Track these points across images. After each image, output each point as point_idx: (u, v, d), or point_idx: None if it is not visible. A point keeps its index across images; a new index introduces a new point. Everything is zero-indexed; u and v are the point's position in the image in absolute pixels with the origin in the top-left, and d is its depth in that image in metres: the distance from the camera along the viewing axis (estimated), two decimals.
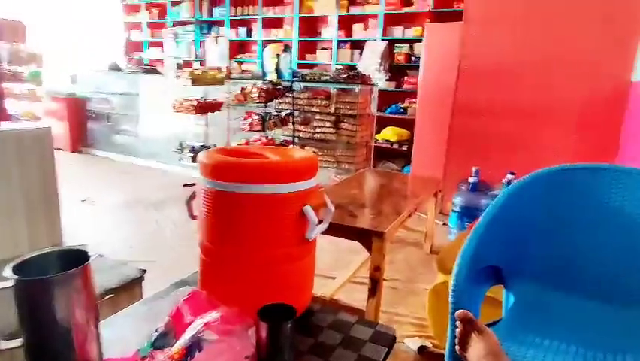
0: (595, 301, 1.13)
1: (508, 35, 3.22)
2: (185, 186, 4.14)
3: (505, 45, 3.24)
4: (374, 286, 1.76)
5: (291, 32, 5.89)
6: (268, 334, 0.78)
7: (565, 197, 1.25)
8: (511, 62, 3.24)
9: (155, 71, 5.43)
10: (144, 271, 1.37)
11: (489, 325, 1.14)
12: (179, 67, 4.57)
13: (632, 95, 2.83)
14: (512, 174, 2.95)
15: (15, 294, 0.67)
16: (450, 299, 1.07)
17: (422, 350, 1.78)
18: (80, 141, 5.89)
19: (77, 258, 0.73)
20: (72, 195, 3.69)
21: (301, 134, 4.18)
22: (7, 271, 0.67)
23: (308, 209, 0.86)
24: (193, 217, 0.99)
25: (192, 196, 0.99)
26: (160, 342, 0.80)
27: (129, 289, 1.30)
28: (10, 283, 0.67)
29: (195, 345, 0.73)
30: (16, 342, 0.71)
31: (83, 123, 5.85)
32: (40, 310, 0.68)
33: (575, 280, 1.18)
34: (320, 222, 0.93)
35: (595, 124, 3.02)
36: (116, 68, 5.61)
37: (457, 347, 0.92)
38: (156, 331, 0.83)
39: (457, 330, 0.93)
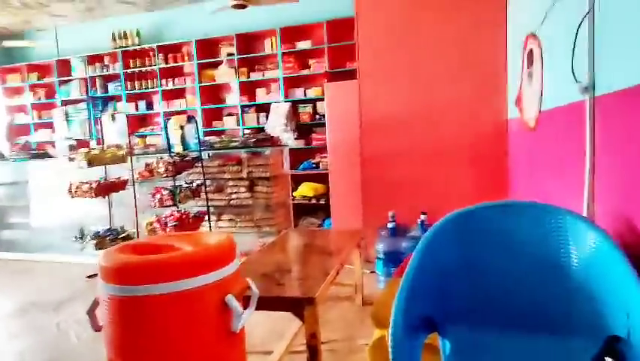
0: (522, 333, 1.18)
1: (397, 89, 3.53)
2: (89, 277, 3.73)
3: (396, 98, 3.54)
4: (313, 355, 1.67)
5: (194, 101, 5.87)
6: None
7: (471, 237, 1.32)
8: (403, 112, 3.53)
9: (45, 155, 4.98)
10: None
11: None
12: (73, 148, 4.25)
13: (509, 130, 3.23)
14: (424, 213, 3.12)
15: None
16: (390, 356, 1.05)
17: None
18: None
19: None
20: None
21: (216, 203, 4.05)
22: None
23: (230, 299, 0.79)
24: (97, 329, 0.86)
25: (95, 304, 0.87)
26: None
27: None
28: None
29: None
30: None
31: None
32: None
33: (496, 315, 1.23)
34: (245, 308, 0.86)
35: (485, 159, 3.36)
36: None
37: None
38: None
39: None
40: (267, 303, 1.66)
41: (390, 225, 3.22)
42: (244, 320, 0.82)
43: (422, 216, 3.12)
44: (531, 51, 2.29)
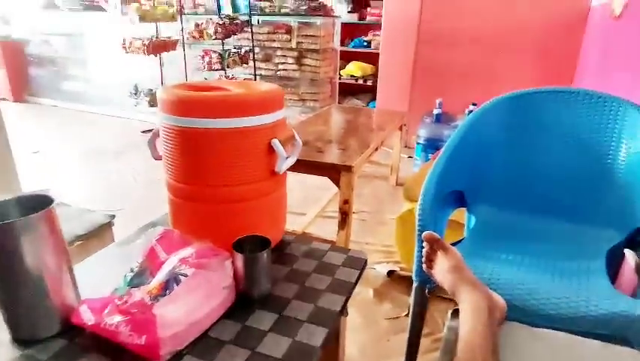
0: (545, 217, 1.22)
1: None
2: (143, 132, 3.99)
3: None
4: (344, 218, 1.81)
5: None
6: (244, 264, 0.80)
7: (521, 121, 1.30)
8: None
9: (98, 7, 4.97)
10: (113, 216, 1.35)
11: (452, 244, 1.22)
12: (125, 1, 4.20)
13: (589, 19, 2.87)
14: (474, 105, 3.00)
15: None
16: (417, 222, 1.12)
17: (390, 273, 1.89)
18: (24, 89, 5.46)
19: (41, 203, 0.70)
20: (21, 148, 3.48)
21: (263, 72, 4.04)
22: None
23: (276, 142, 0.85)
24: (157, 157, 0.97)
25: (155, 135, 0.96)
26: (136, 280, 0.81)
27: (99, 234, 1.28)
28: None
29: (173, 279, 0.74)
30: None
31: (23, 69, 5.39)
32: (7, 257, 0.66)
33: (529, 198, 1.26)
34: (288, 155, 0.93)
35: (553, 50, 3.08)
36: (53, 5, 5.08)
37: (423, 265, 0.99)
38: (131, 270, 0.83)
39: (424, 250, 0.98)
40: (307, 167, 1.77)
41: (436, 111, 3.15)
42: (287, 164, 0.89)
43: (471, 107, 3.01)
44: None
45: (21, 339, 0.71)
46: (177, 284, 0.74)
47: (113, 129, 4.30)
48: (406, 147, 3.78)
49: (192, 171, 0.85)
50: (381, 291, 1.82)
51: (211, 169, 0.83)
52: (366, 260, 1.00)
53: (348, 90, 4.97)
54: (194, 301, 0.73)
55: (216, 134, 0.80)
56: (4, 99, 5.30)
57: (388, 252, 2.10)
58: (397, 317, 1.65)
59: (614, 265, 1.08)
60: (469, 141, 1.25)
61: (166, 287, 0.73)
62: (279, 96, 0.88)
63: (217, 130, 0.79)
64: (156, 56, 3.82)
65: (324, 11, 3.79)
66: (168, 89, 0.85)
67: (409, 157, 3.55)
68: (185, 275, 0.75)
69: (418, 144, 3.31)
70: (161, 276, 0.76)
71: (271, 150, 0.86)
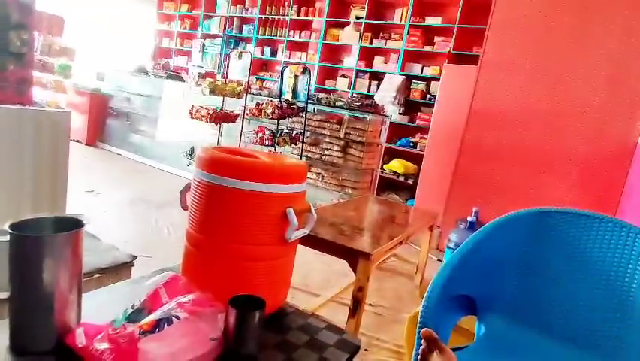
0: (562, 344, 1.15)
1: (520, 84, 3.31)
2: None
3: (516, 93, 3.32)
4: (355, 306, 1.78)
5: (314, 57, 6.08)
6: (236, 321, 0.83)
7: (540, 238, 1.28)
8: (521, 109, 3.31)
9: (178, 78, 5.62)
10: (135, 257, 1.43)
11: (456, 349, 1.16)
12: (202, 76, 4.74)
13: (636, 155, 2.87)
14: None
15: (9, 249, 0.73)
16: (419, 320, 1.10)
17: None
18: (97, 135, 6.06)
19: (72, 225, 0.79)
20: (79, 186, 3.79)
21: (309, 155, 4.26)
22: (6, 226, 0.73)
23: (290, 211, 0.92)
24: (185, 207, 1.06)
25: (187, 188, 1.06)
26: (134, 316, 0.85)
27: (118, 271, 1.35)
28: (7, 238, 0.73)
29: (165, 320, 0.77)
30: (2, 294, 0.77)
31: (102, 119, 6.04)
32: (27, 266, 0.73)
33: (547, 321, 1.20)
34: (301, 227, 0.98)
35: (597, 179, 3.05)
36: (142, 71, 5.82)
37: None
38: (132, 307, 0.88)
39: (420, 348, 0.96)
40: (327, 247, 1.81)
41: (470, 218, 3.14)
42: (297, 234, 0.94)
43: None
44: None
45: (17, 349, 0.76)
46: (168, 325, 0.77)
47: (164, 183, 4.60)
48: (437, 249, 3.73)
49: (209, 223, 0.93)
50: None
51: (226, 225, 0.90)
52: (358, 346, 0.99)
53: (388, 184, 5.09)
54: (180, 344, 0.76)
55: (237, 194, 0.88)
56: (78, 141, 5.88)
57: (398, 352, 1.99)
58: None
59: None
60: (485, 247, 1.25)
61: (157, 325, 0.76)
62: (301, 170, 0.96)
63: (238, 190, 0.87)
64: (217, 125, 4.17)
65: (375, 109, 4.06)
66: (207, 150, 0.96)
67: (439, 260, 3.48)
68: (178, 318, 0.78)
69: (448, 248, 3.26)
70: (155, 314, 0.80)
71: (285, 218, 0.93)
